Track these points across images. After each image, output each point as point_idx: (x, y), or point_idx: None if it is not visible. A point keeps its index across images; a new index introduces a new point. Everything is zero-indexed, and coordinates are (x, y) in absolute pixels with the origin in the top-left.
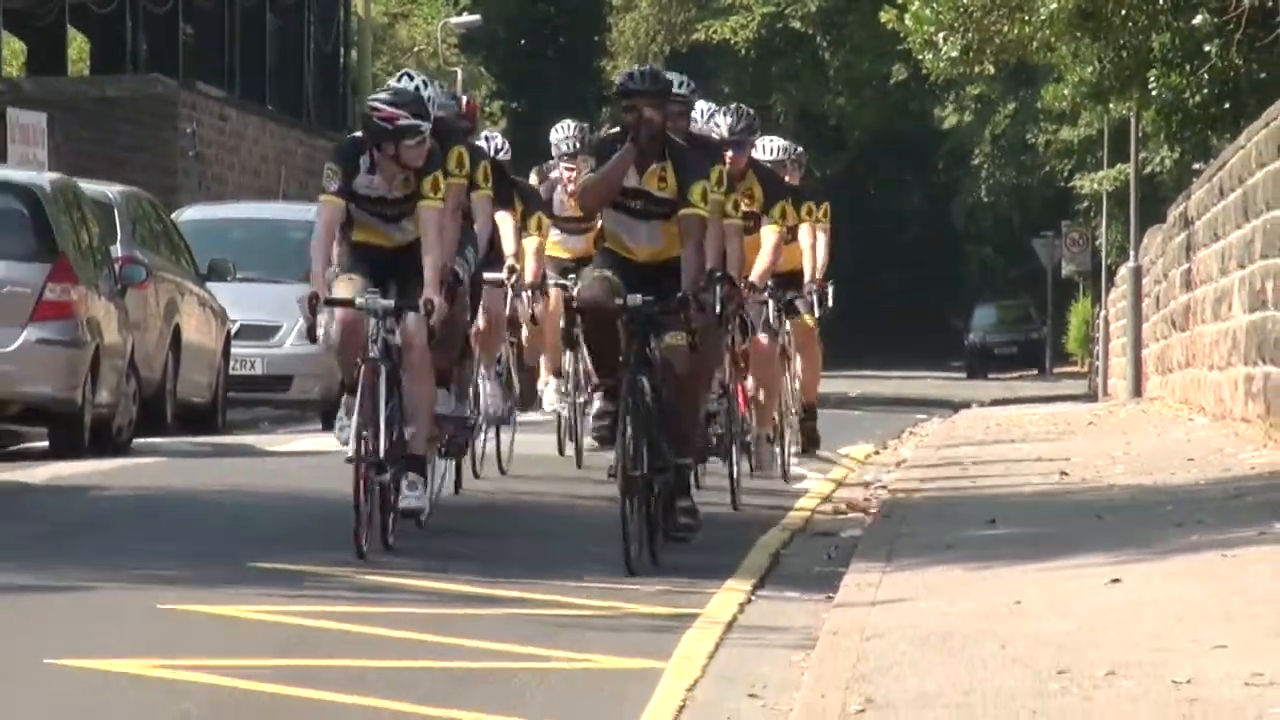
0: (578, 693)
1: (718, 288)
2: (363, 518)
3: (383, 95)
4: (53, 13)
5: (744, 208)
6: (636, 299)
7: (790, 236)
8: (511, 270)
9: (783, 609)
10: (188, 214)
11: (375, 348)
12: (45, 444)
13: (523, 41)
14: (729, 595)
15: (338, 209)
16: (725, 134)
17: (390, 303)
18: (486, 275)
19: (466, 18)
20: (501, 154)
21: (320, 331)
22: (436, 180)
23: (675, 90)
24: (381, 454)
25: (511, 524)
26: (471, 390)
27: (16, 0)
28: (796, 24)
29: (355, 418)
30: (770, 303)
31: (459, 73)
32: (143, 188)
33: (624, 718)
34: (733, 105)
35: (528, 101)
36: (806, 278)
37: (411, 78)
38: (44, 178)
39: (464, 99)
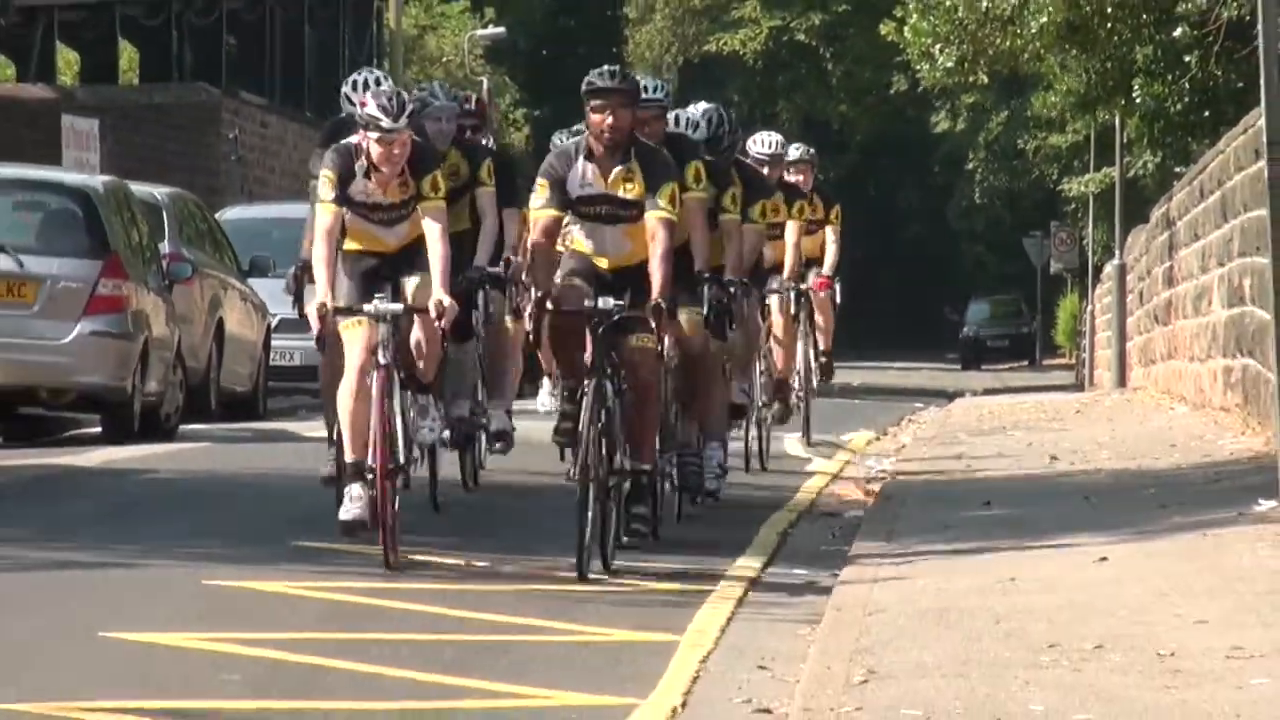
0: (597, 663)
1: (705, 288)
2: (388, 529)
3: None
4: (104, 24)
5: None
6: (608, 302)
7: (811, 229)
8: (508, 263)
9: (790, 585)
10: (230, 214)
11: (386, 354)
12: (98, 430)
13: (545, 52)
14: (740, 572)
15: (337, 217)
16: (766, 153)
17: (400, 306)
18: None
19: (492, 30)
20: (483, 135)
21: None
22: (435, 180)
23: (650, 95)
24: (402, 456)
25: (531, 505)
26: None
27: (71, 13)
28: (801, 36)
29: (377, 429)
30: (791, 292)
31: (485, 81)
32: (188, 189)
33: (641, 686)
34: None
35: (550, 109)
36: (827, 269)
37: (369, 75)
38: (96, 180)
39: (474, 95)
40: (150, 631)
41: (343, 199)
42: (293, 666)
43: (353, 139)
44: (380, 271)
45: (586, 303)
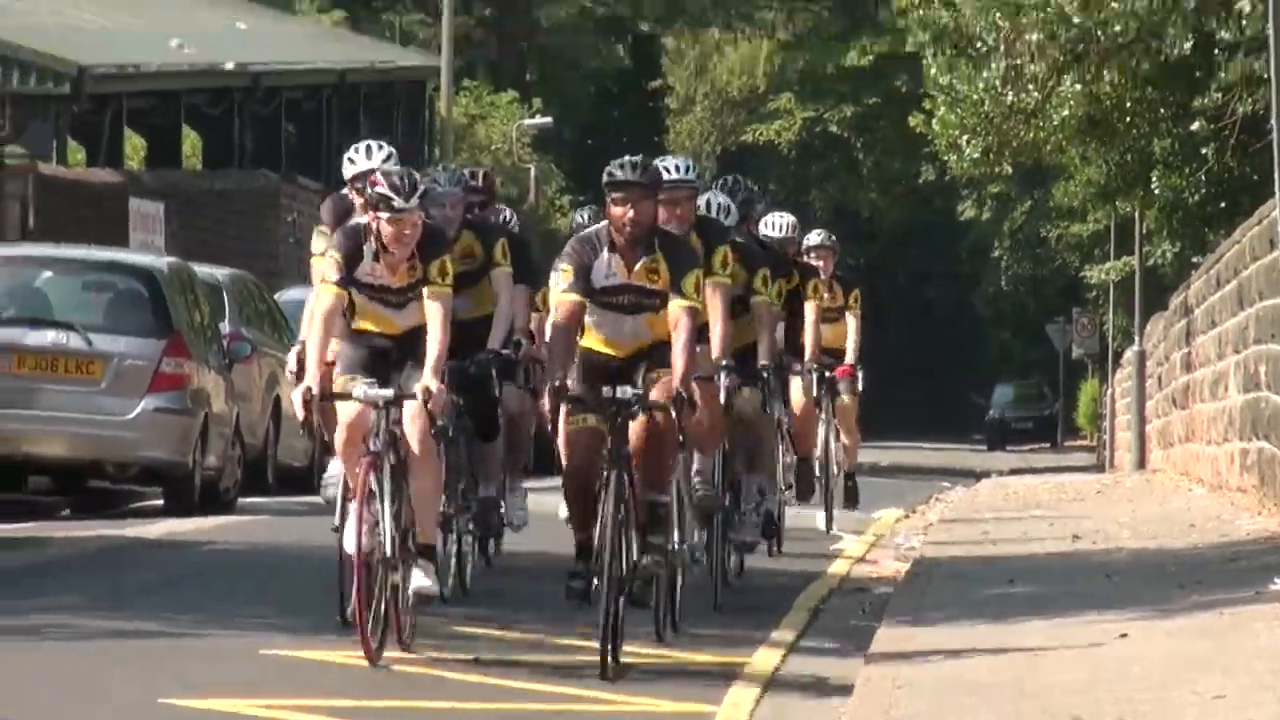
0: None
1: (722, 376)
2: (365, 622)
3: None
4: (170, 112)
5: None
6: (626, 391)
7: (831, 316)
8: (518, 345)
9: (822, 660)
10: (288, 295)
11: (377, 441)
12: (160, 502)
13: (589, 141)
14: (774, 645)
15: (339, 300)
16: (775, 235)
17: (390, 392)
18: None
19: (539, 120)
20: (510, 225)
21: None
22: (444, 265)
23: (680, 176)
24: (389, 551)
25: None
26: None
27: (139, 100)
28: (834, 128)
29: (353, 518)
30: (813, 374)
31: (532, 169)
32: (248, 271)
33: None
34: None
35: (594, 195)
36: (849, 357)
37: (382, 147)
38: (161, 261)
39: (481, 171)
40: (209, 698)
41: (348, 281)
42: None
43: (361, 219)
44: (390, 355)
45: (605, 390)
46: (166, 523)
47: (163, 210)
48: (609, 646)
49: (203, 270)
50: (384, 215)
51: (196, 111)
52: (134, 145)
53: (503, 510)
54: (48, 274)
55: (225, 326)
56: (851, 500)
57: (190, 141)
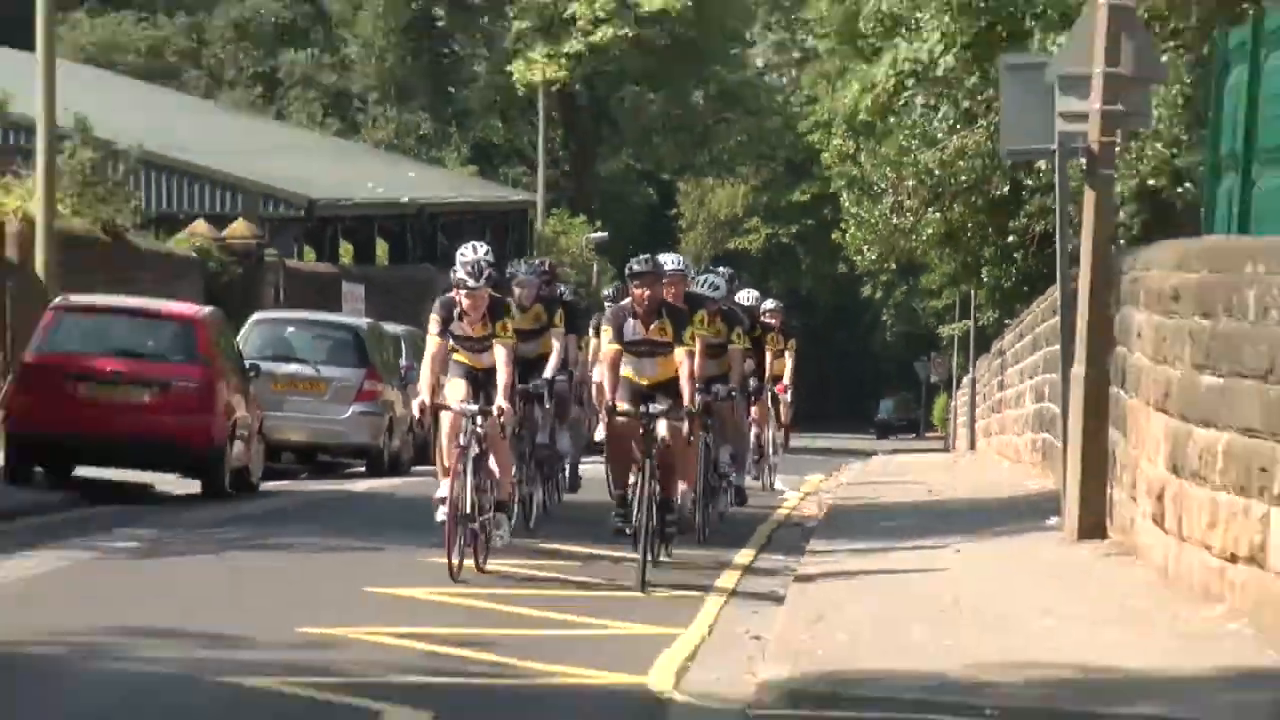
0: (664, 609)
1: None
2: (458, 559)
3: (465, 268)
4: (367, 229)
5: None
6: (658, 407)
7: (780, 354)
8: (571, 374)
9: (773, 566)
10: None
11: (464, 438)
12: (362, 469)
13: (630, 247)
14: (743, 557)
15: (441, 347)
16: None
17: (475, 408)
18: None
19: (599, 234)
20: (565, 296)
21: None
22: (505, 324)
23: (674, 268)
24: (468, 509)
25: (593, 531)
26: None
27: (349, 220)
28: (785, 240)
29: (444, 489)
30: (768, 392)
31: (594, 264)
32: (414, 327)
33: (685, 621)
34: (721, 276)
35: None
36: (786, 379)
37: (476, 249)
38: (363, 321)
39: (548, 261)
40: (388, 588)
41: (445, 333)
42: (484, 607)
43: (452, 295)
44: (476, 379)
45: (642, 407)
46: (367, 482)
47: (363, 290)
48: (644, 570)
49: (388, 327)
50: (463, 291)
51: (384, 228)
52: (345, 249)
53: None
54: (291, 329)
55: (402, 361)
56: (785, 446)
57: (381, 247)
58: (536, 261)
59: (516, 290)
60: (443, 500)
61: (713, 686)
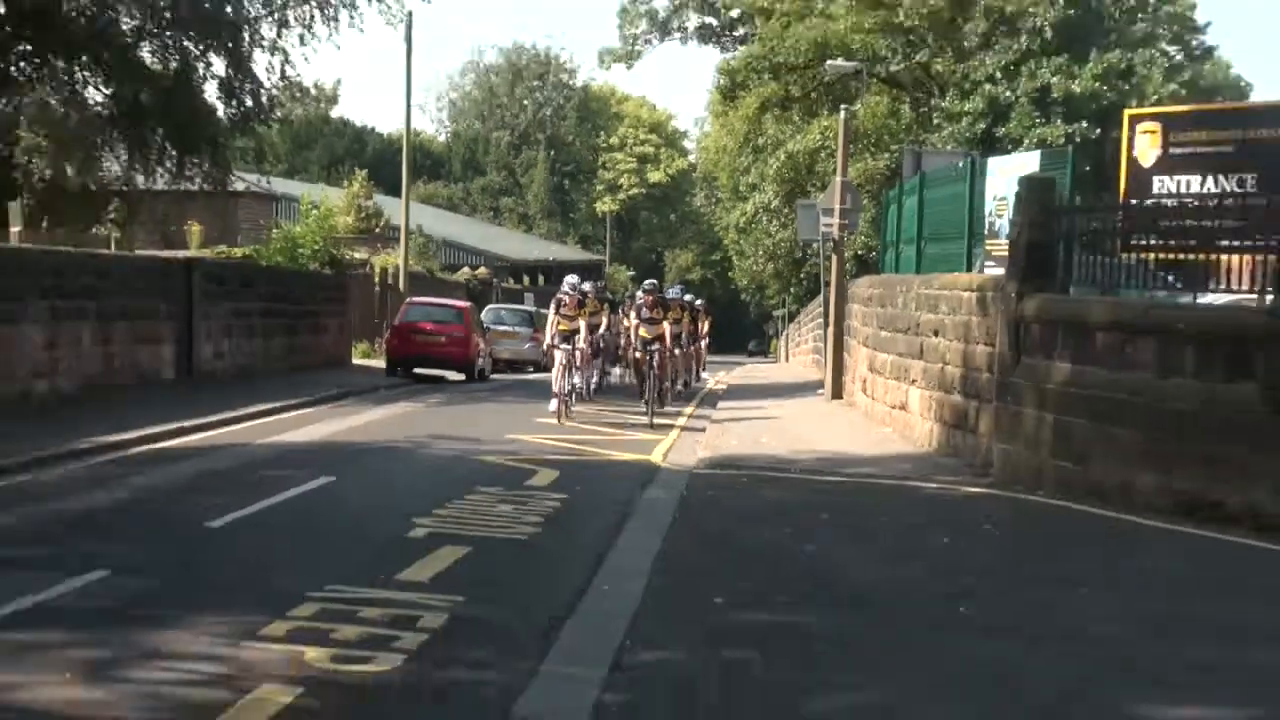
0: (644, 445)
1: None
2: (560, 413)
3: (567, 286)
4: (532, 270)
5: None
6: (654, 347)
7: (704, 322)
8: (618, 335)
9: (704, 415)
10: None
11: (563, 355)
12: (532, 371)
13: (643, 278)
14: (689, 410)
15: (554, 320)
16: (677, 295)
17: (570, 346)
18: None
19: (630, 273)
20: (611, 297)
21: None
22: (583, 310)
23: (659, 290)
24: (567, 391)
25: (620, 399)
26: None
27: (525, 266)
28: (710, 275)
29: (555, 383)
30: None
31: (627, 287)
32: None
33: (655, 449)
34: (679, 288)
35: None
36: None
37: (571, 279)
38: (533, 308)
39: (604, 283)
40: (542, 419)
41: (556, 312)
42: (573, 427)
43: (560, 296)
44: (568, 335)
45: (648, 347)
46: (533, 375)
47: (533, 296)
48: (651, 416)
49: (542, 310)
50: (564, 295)
51: (541, 268)
52: (525, 281)
53: (607, 368)
54: (503, 311)
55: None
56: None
57: (526, 281)
58: (600, 284)
59: (592, 295)
60: (553, 391)
61: (678, 462)
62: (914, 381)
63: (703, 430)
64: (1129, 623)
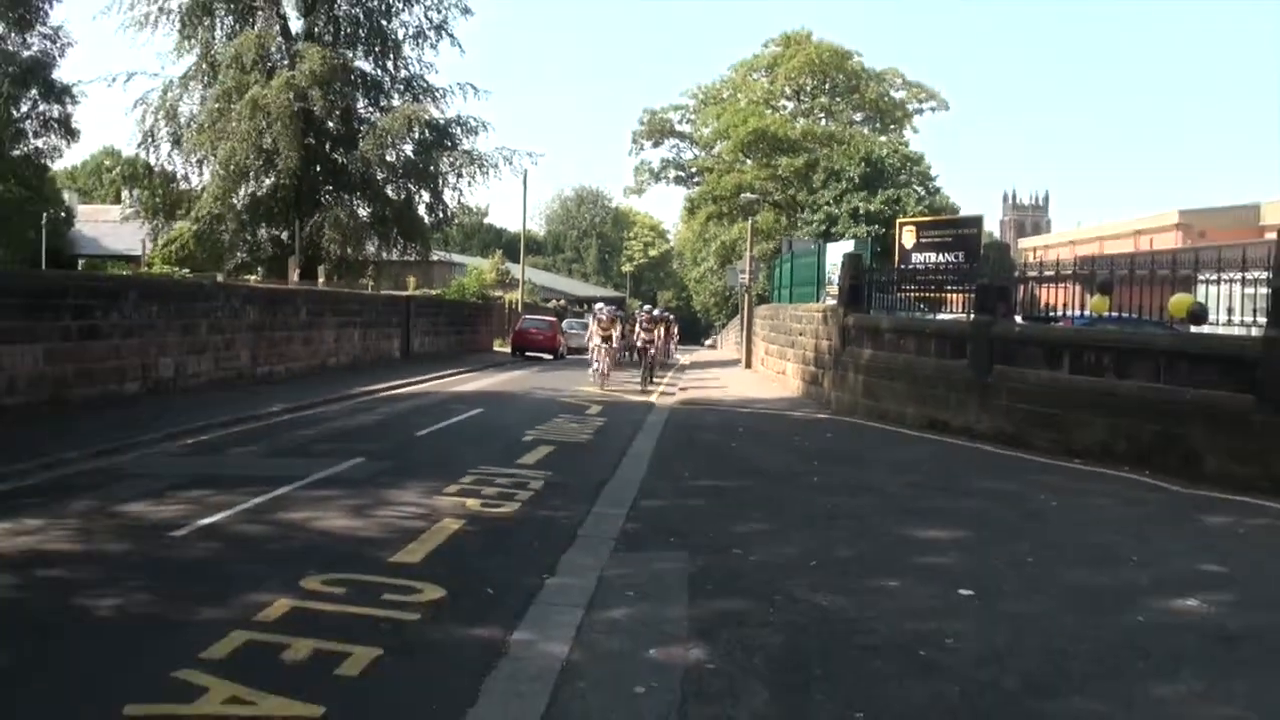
0: (642, 397)
1: (655, 339)
2: (599, 380)
3: (605, 305)
4: (589, 300)
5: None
6: (650, 345)
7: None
8: (630, 333)
9: (674, 377)
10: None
11: (596, 351)
12: (585, 355)
13: (647, 304)
14: (671, 377)
15: (593, 331)
16: (661, 314)
17: (604, 344)
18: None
19: (646, 304)
20: (624, 316)
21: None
22: (613, 323)
23: (652, 311)
24: (603, 370)
25: (631, 376)
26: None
27: (579, 301)
28: (680, 301)
29: (594, 365)
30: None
31: (637, 310)
32: None
33: (656, 391)
34: (663, 309)
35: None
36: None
37: (605, 304)
38: (590, 319)
39: (619, 306)
40: (588, 383)
41: (595, 324)
42: (609, 388)
43: (596, 313)
44: (603, 337)
45: (644, 345)
46: (584, 358)
47: (589, 314)
48: (646, 382)
49: (586, 319)
50: (601, 313)
51: (587, 302)
52: (576, 308)
53: (623, 355)
54: (574, 321)
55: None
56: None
57: (584, 307)
58: (618, 309)
59: (616, 314)
60: (592, 370)
61: (664, 403)
62: (789, 360)
63: (677, 386)
64: (901, 485)
